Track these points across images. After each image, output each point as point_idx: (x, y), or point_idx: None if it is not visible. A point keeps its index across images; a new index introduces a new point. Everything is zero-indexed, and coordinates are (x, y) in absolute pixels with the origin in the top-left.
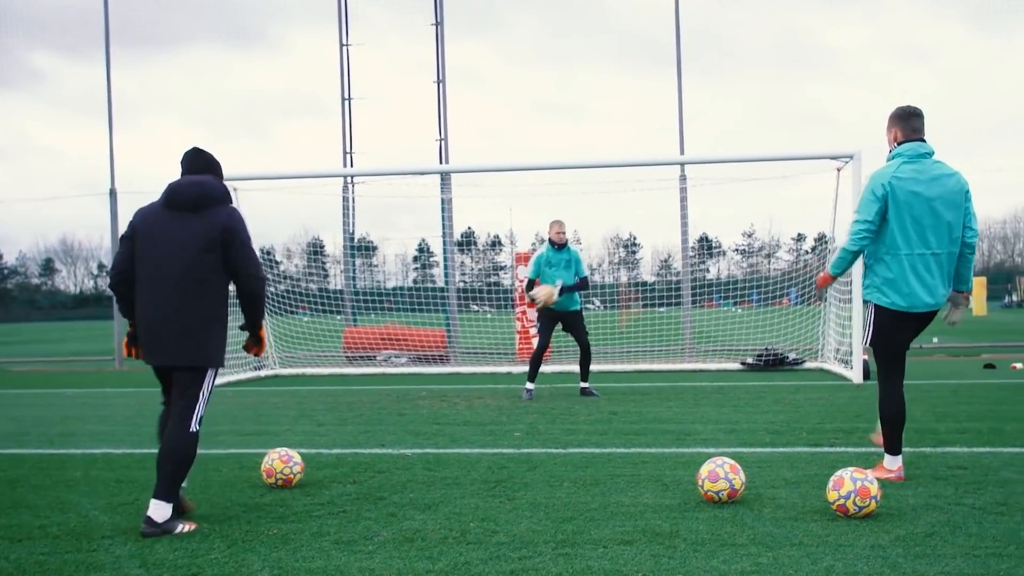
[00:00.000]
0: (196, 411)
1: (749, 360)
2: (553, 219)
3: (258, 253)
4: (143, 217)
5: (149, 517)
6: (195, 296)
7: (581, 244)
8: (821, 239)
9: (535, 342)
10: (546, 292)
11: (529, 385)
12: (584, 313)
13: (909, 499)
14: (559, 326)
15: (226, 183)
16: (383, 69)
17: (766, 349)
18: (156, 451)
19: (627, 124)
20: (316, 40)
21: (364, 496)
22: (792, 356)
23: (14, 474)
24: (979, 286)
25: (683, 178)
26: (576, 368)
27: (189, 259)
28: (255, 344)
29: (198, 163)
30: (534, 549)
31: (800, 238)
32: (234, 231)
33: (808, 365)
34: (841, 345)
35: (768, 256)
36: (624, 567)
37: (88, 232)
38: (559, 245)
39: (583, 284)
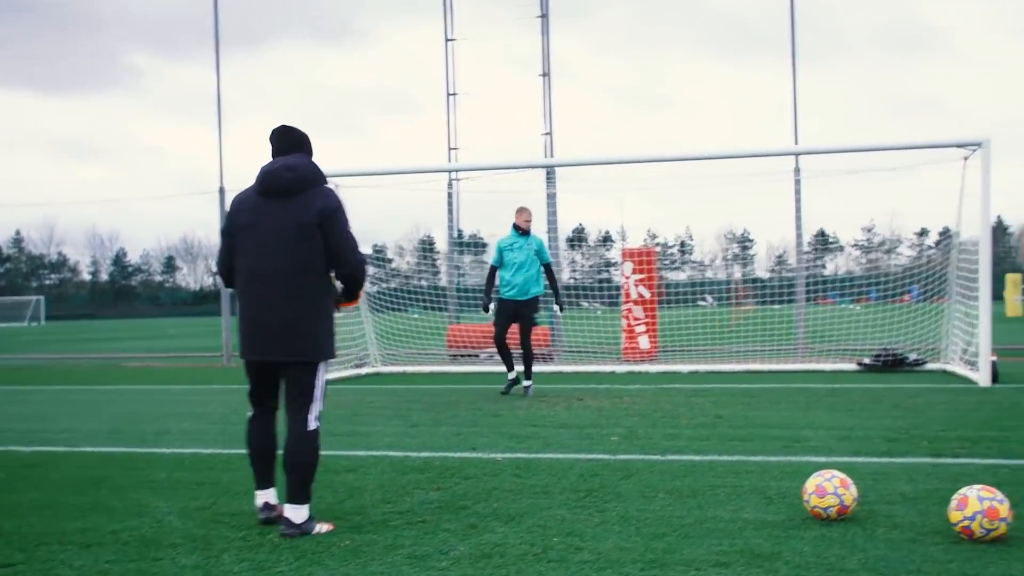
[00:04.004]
0: (313, 408)
1: (866, 360)
2: (520, 206)
3: (370, 250)
4: (239, 207)
5: (287, 519)
6: (298, 287)
7: (693, 240)
8: (945, 233)
9: (641, 340)
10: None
11: (511, 375)
12: (699, 309)
13: None
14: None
15: (328, 180)
16: (481, 64)
17: (884, 349)
18: (244, 451)
19: (727, 115)
20: (408, 35)
21: (446, 504)
22: (913, 356)
23: (100, 473)
24: (1012, 285)
25: (797, 170)
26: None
27: (288, 248)
28: (347, 301)
29: (288, 141)
30: (619, 570)
31: (923, 233)
32: (331, 214)
33: (930, 366)
34: (968, 346)
35: (889, 251)
36: None
37: (207, 231)
38: (523, 231)
39: (548, 272)
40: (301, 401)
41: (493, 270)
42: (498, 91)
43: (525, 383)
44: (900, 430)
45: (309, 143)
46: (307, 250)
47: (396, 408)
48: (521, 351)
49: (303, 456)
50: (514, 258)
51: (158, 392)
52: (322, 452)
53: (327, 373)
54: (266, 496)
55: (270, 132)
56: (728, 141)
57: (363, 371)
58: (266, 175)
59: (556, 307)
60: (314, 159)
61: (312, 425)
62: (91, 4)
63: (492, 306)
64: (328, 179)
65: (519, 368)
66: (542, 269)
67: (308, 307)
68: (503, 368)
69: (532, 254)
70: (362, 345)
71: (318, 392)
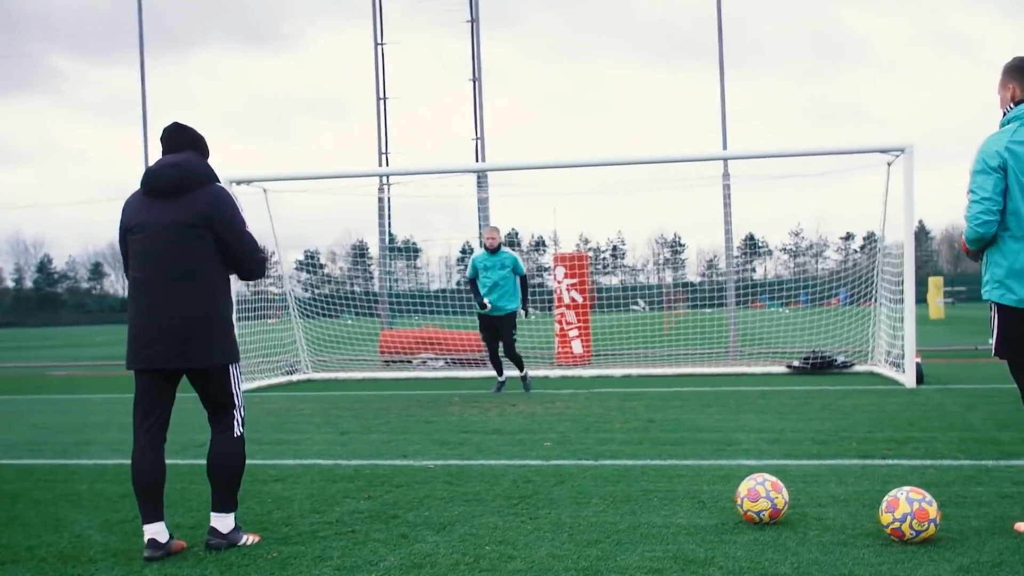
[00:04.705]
0: (236, 414)
1: (795, 363)
2: (487, 226)
3: (301, 256)
4: (127, 209)
5: (214, 528)
6: (190, 290)
7: (625, 245)
8: (870, 238)
9: (574, 345)
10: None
11: (499, 377)
12: (632, 313)
13: (972, 521)
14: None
15: (256, 184)
16: (411, 69)
17: (813, 351)
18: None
19: (657, 121)
20: (338, 39)
21: (376, 514)
22: (841, 359)
23: (18, 487)
24: (934, 287)
25: (726, 175)
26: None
27: (175, 250)
28: None
29: (180, 140)
30: None
31: (849, 237)
32: (220, 213)
33: (857, 368)
34: (892, 348)
35: (816, 256)
36: None
37: None
38: (491, 249)
39: (522, 283)
40: (223, 410)
41: (471, 282)
42: (429, 96)
43: (521, 375)
44: (829, 432)
45: (204, 144)
46: (195, 250)
47: (326, 415)
48: (509, 359)
49: (229, 464)
50: (487, 277)
51: (82, 402)
52: (250, 461)
53: (244, 380)
54: (153, 531)
55: (162, 131)
56: (659, 146)
57: (294, 378)
58: (149, 174)
59: (522, 311)
60: (208, 161)
61: (237, 432)
62: (7, 3)
63: (486, 300)
64: (255, 183)
65: (508, 373)
66: (518, 281)
67: (203, 311)
68: (435, 374)
69: (507, 272)
70: (293, 352)
71: (237, 398)
